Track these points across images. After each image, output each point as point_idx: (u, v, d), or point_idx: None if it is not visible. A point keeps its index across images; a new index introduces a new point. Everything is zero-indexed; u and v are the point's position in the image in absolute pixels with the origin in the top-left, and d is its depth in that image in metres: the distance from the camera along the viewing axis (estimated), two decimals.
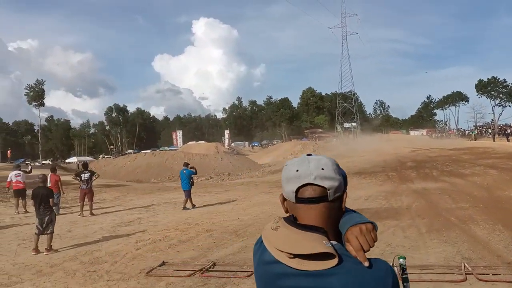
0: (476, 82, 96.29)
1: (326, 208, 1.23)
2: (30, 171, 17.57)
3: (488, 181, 16.01)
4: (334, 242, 1.20)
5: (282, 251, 1.16)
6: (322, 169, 1.23)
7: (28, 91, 64.20)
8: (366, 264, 1.16)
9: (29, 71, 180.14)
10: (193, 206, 14.43)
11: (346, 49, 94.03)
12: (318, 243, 1.15)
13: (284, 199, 1.31)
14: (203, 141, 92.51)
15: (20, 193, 14.67)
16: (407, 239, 7.91)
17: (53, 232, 8.75)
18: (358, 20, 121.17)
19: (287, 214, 1.28)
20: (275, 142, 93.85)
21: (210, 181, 28.94)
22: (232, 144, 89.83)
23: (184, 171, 14.83)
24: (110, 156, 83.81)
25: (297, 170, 1.24)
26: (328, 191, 1.22)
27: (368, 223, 1.26)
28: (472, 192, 13.67)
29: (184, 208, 14.24)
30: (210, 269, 6.66)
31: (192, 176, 14.81)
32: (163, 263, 7.11)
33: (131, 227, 11.19)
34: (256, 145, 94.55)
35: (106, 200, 17.81)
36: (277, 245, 1.18)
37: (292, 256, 1.15)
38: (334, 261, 1.13)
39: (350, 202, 11.43)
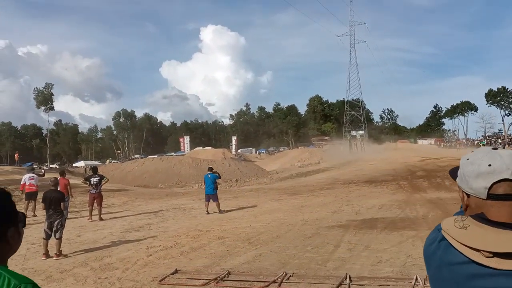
0: (486, 92, 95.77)
1: None
2: (43, 175, 17.51)
3: None
4: None
5: (480, 250, 1.09)
6: None
7: (36, 94, 64.41)
8: None
9: (38, 76, 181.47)
10: (207, 212, 14.24)
11: (354, 57, 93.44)
12: None
13: (465, 195, 1.23)
14: (210, 147, 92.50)
15: (31, 196, 14.57)
16: None
17: (62, 237, 8.59)
18: (367, 28, 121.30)
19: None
20: (282, 149, 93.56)
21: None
22: (239, 151, 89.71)
23: (209, 176, 14.84)
24: (116, 161, 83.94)
25: (490, 165, 1.16)
26: None
27: None
28: None
29: (220, 211, 14.27)
30: (225, 279, 6.43)
31: (216, 180, 14.81)
32: (176, 271, 6.89)
33: (141, 233, 11.00)
34: (263, 152, 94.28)
35: (114, 205, 17.66)
36: (473, 244, 1.11)
37: (491, 255, 1.08)
38: None
39: (363, 210, 11.22)
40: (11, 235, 1.47)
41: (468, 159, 1.23)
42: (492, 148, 1.22)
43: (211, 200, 14.54)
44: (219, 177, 15.44)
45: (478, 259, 1.09)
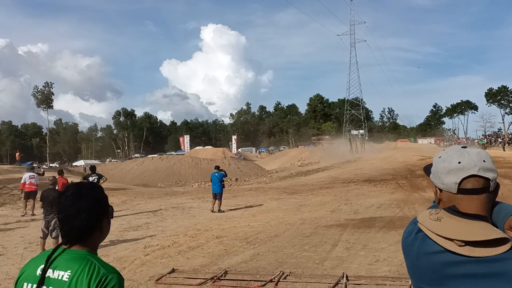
0: (486, 91, 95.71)
1: (487, 198, 1.28)
2: (43, 173, 17.51)
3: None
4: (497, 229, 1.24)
5: (453, 240, 1.21)
6: (484, 161, 1.29)
7: (35, 93, 64.39)
8: None
9: (38, 74, 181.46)
10: (212, 210, 14.36)
11: (354, 57, 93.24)
12: (490, 230, 1.21)
13: (438, 190, 1.36)
14: (210, 146, 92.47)
15: (30, 195, 14.57)
16: None
17: (59, 236, 8.55)
18: (367, 28, 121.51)
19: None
20: (282, 149, 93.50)
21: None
22: (239, 150, 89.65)
23: (216, 174, 14.90)
24: (116, 160, 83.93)
25: (459, 162, 1.29)
26: (490, 182, 1.27)
27: None
28: None
29: (220, 211, 14.28)
30: (222, 278, 6.42)
31: (223, 178, 14.92)
32: (173, 270, 6.88)
33: (139, 232, 10.99)
34: (263, 151, 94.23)
35: (113, 204, 17.36)
36: (446, 234, 1.23)
37: (463, 244, 1.20)
38: (508, 246, 1.18)
39: (362, 210, 11.19)
40: (105, 225, 1.69)
41: (440, 157, 1.37)
42: (462, 147, 1.36)
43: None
44: (226, 176, 15.60)
45: (452, 248, 1.21)
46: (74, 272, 1.53)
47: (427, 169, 1.46)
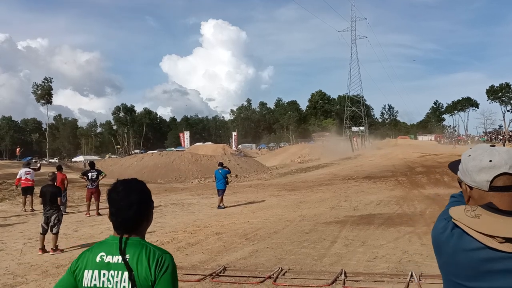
0: (488, 88, 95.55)
1: None
2: (39, 168, 17.46)
3: None
4: None
5: (494, 236, 1.25)
6: None
7: (35, 89, 64.22)
8: None
9: (38, 69, 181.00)
10: (219, 206, 14.44)
11: (355, 53, 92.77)
12: None
13: (468, 188, 1.40)
14: (210, 143, 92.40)
15: (28, 191, 14.56)
16: (425, 246, 7.56)
17: (59, 232, 8.57)
18: (368, 24, 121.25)
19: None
20: (282, 145, 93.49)
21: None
22: (239, 146, 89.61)
23: (220, 171, 14.97)
24: (116, 156, 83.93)
25: (490, 161, 1.33)
26: None
27: None
28: None
29: (219, 207, 14.38)
30: (220, 274, 6.43)
31: (227, 175, 15.01)
32: None
33: None
34: (264, 148, 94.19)
35: None
36: (487, 231, 1.27)
37: (503, 240, 1.24)
38: None
39: (361, 206, 11.18)
40: (150, 215, 1.89)
41: (469, 156, 1.41)
42: (490, 145, 1.40)
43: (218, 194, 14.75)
44: (230, 172, 15.76)
45: (492, 245, 1.25)
46: (132, 256, 1.73)
47: (453, 166, 1.51)
